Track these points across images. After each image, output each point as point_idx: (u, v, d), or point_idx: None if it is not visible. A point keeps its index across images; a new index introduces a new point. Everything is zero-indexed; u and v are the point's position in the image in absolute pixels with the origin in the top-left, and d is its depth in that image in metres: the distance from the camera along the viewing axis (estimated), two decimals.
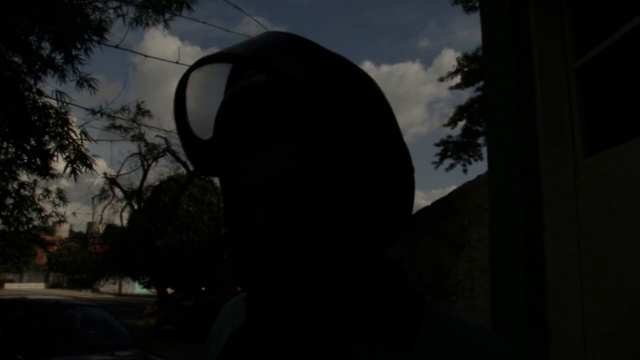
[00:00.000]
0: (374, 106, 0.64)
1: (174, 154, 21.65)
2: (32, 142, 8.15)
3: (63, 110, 8.18)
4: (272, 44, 0.61)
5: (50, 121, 8.06)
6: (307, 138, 0.62)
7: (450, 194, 3.41)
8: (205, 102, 0.71)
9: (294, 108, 0.61)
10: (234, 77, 0.70)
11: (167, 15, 8.29)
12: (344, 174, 0.64)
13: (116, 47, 6.48)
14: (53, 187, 10.12)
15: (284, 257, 0.61)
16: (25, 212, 9.61)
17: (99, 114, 9.06)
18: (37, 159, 8.33)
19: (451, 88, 16.71)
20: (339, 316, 0.69)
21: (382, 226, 0.67)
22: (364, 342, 0.65)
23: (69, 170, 8.10)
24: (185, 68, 0.66)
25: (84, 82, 8.17)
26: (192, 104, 0.70)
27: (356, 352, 0.65)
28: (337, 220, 0.62)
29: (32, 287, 58.05)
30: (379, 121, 0.64)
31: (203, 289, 25.48)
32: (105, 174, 20.72)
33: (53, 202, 10.08)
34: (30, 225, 10.01)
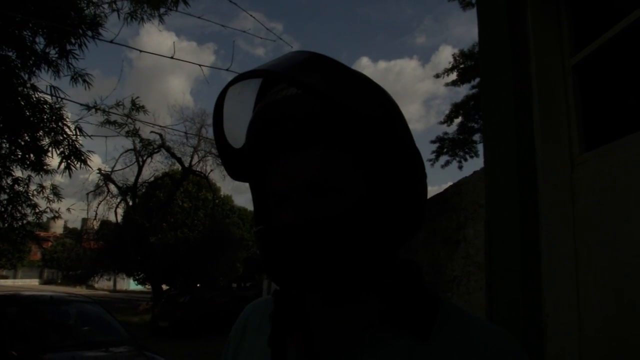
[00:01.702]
0: (391, 117, 0.71)
1: (168, 150, 21.60)
2: (26, 138, 8.08)
3: (57, 106, 8.11)
4: (300, 62, 0.69)
5: (45, 116, 7.98)
6: (332, 145, 0.70)
7: (446, 190, 3.42)
8: (238, 113, 0.79)
9: (321, 118, 0.68)
10: (263, 92, 0.78)
11: (162, 10, 8.23)
12: (365, 178, 0.72)
13: (111, 42, 6.43)
14: (47, 183, 10.03)
15: (313, 252, 0.68)
16: (20, 208, 9.54)
17: (93, 110, 8.98)
18: (31, 155, 8.27)
19: (447, 85, 16.68)
20: (363, 306, 0.75)
21: (399, 225, 0.74)
22: (385, 330, 0.72)
23: (63, 166, 8.05)
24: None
25: (78, 77, 8.11)
26: (227, 116, 0.79)
27: (378, 338, 0.72)
28: (359, 219, 0.69)
29: (26, 284, 57.86)
30: (395, 130, 0.71)
31: (198, 285, 25.47)
32: (99, 169, 20.64)
33: (47, 198, 10.00)
34: (25, 221, 9.94)
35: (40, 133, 8.13)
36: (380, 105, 0.70)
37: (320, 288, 0.71)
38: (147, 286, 31.70)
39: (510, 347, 0.71)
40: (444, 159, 17.52)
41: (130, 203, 22.28)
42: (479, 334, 0.71)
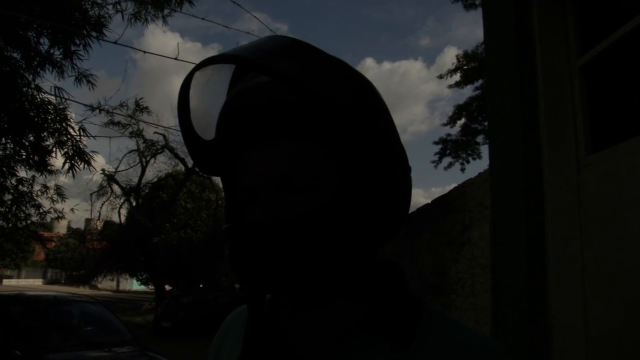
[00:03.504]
0: (370, 107, 0.66)
1: (172, 150, 21.59)
2: (31, 138, 8.12)
3: (61, 106, 8.16)
4: (273, 47, 0.63)
5: (49, 117, 8.03)
6: (306, 137, 0.65)
7: (450, 192, 3.41)
8: (208, 103, 0.73)
9: (294, 108, 0.63)
10: (236, 79, 0.72)
11: (165, 11, 8.26)
12: (341, 173, 0.66)
13: (115, 42, 6.46)
14: (51, 184, 10.09)
15: (282, 253, 0.63)
16: (24, 208, 9.60)
17: (97, 110, 9.02)
18: (36, 155, 8.31)
19: (450, 86, 16.62)
20: (340, 312, 0.70)
21: (378, 223, 0.69)
22: (363, 338, 0.67)
23: (67, 166, 8.07)
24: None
25: (82, 78, 8.15)
26: (195, 104, 0.72)
27: (355, 347, 0.67)
28: (334, 217, 0.64)
29: (30, 284, 58.11)
30: (375, 121, 0.66)
31: (201, 285, 25.48)
32: (103, 170, 20.66)
33: (51, 198, 10.07)
34: (29, 222, 10.01)
35: (45, 133, 8.17)
36: (358, 94, 0.65)
37: (289, 291, 0.67)
38: (150, 286, 31.73)
39: (495, 355, 0.67)
40: (447, 160, 17.48)
41: (134, 203, 22.30)
42: (464, 341, 0.67)
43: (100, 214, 21.77)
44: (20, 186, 9.18)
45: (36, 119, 7.82)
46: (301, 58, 0.63)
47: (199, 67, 0.66)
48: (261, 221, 0.65)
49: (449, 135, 17.34)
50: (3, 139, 8.05)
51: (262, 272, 0.64)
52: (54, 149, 8.23)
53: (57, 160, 8.55)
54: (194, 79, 0.69)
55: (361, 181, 0.66)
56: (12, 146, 8.29)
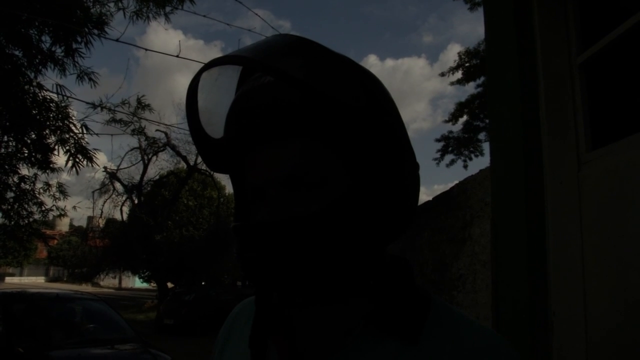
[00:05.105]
0: (377, 105, 0.66)
1: (174, 148, 21.62)
2: (33, 136, 8.13)
3: (63, 104, 8.16)
4: (279, 47, 0.64)
5: (51, 115, 8.03)
6: (312, 137, 0.65)
7: (452, 189, 3.41)
8: (217, 102, 0.74)
9: (299, 108, 0.64)
10: (244, 78, 0.73)
11: (167, 9, 8.24)
12: (348, 171, 0.66)
13: (117, 40, 6.46)
14: (53, 181, 10.09)
15: (289, 251, 0.63)
16: (26, 206, 9.59)
17: (99, 108, 9.01)
18: (38, 153, 8.32)
19: (452, 84, 16.60)
20: (348, 307, 0.70)
21: (386, 221, 0.69)
22: (370, 333, 0.67)
23: (70, 163, 8.07)
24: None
25: (84, 75, 8.14)
26: (204, 104, 0.74)
27: (362, 342, 0.67)
28: (341, 215, 0.64)
29: (32, 281, 58.20)
30: (381, 120, 0.66)
31: (203, 283, 25.54)
32: (105, 168, 20.71)
33: (53, 196, 10.06)
34: (31, 219, 9.99)
35: (47, 131, 8.18)
36: (364, 93, 0.65)
37: (296, 290, 0.66)
38: (152, 284, 31.79)
39: (504, 351, 0.66)
40: (449, 157, 17.47)
41: (136, 201, 22.35)
42: (472, 337, 0.66)
43: (102, 212, 21.88)
44: (22, 184, 9.19)
45: (38, 117, 7.83)
46: (307, 58, 0.63)
47: (205, 68, 0.67)
48: (268, 219, 0.65)
49: (450, 132, 17.34)
50: (5, 137, 8.06)
51: (269, 271, 0.65)
52: (56, 147, 8.24)
53: (59, 158, 8.57)
54: (202, 79, 0.70)
55: (369, 179, 0.66)
56: (14, 144, 8.29)
